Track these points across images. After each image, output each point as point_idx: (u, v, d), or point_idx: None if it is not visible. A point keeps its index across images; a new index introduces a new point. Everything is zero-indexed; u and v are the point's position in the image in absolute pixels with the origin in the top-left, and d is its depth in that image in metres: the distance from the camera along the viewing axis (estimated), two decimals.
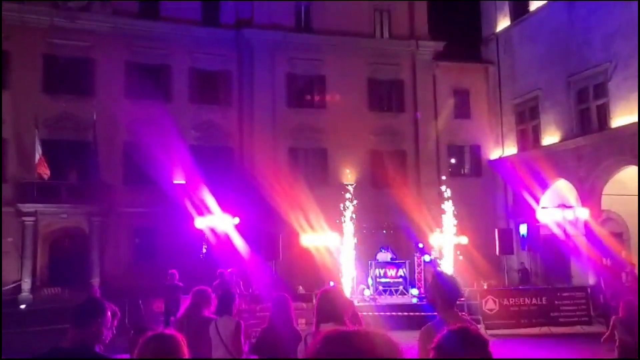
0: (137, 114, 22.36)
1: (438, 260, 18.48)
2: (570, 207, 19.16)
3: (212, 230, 18.61)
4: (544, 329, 14.22)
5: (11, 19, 21.96)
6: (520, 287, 17.37)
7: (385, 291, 18.06)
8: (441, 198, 20.76)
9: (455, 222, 19.87)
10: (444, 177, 21.91)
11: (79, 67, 22.94)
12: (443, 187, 20.76)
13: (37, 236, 21.63)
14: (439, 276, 4.21)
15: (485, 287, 17.00)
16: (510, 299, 14.70)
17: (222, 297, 6.00)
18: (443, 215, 19.90)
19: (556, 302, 15.00)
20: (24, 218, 21.42)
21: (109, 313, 3.33)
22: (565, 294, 15.38)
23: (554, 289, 15.96)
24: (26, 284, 21.04)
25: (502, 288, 16.85)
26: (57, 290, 21.02)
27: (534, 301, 14.79)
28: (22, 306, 20.07)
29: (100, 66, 23.14)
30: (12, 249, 21.32)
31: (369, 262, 18.90)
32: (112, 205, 22.26)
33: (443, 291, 3.83)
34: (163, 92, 23.63)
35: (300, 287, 18.59)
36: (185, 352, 2.61)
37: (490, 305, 14.39)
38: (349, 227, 18.54)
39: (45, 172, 21.20)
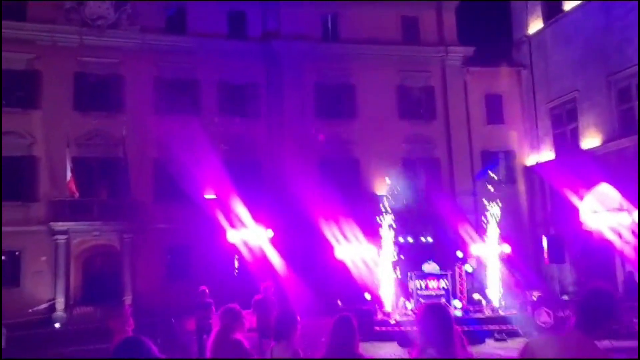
0: (166, 129, 22.22)
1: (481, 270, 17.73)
2: (623, 210, 18.28)
3: (246, 244, 18.23)
4: (605, 342, 13.35)
5: (42, 39, 22.19)
6: (575, 299, 16.52)
7: None
8: (478, 205, 20.03)
9: (496, 230, 19.12)
10: (490, 188, 20.85)
11: (108, 84, 22.99)
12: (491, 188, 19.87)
13: (69, 254, 21.52)
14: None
15: (535, 298, 16.17)
16: (567, 311, 13.88)
17: (281, 319, 5.07)
18: (482, 224, 19.17)
19: None
20: (57, 237, 21.36)
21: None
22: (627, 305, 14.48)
23: None
24: (60, 303, 20.90)
25: (557, 299, 16.01)
26: (90, 309, 20.83)
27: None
28: (57, 325, 19.92)
29: (129, 82, 23.14)
30: (46, 267, 21.27)
31: (408, 274, 18.26)
32: (143, 222, 22.08)
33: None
34: (192, 107, 23.50)
35: (339, 301, 18.03)
36: None
37: (544, 318, 13.63)
38: (385, 238, 17.97)
39: (75, 191, 21.14)
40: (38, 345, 14.18)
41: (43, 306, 20.36)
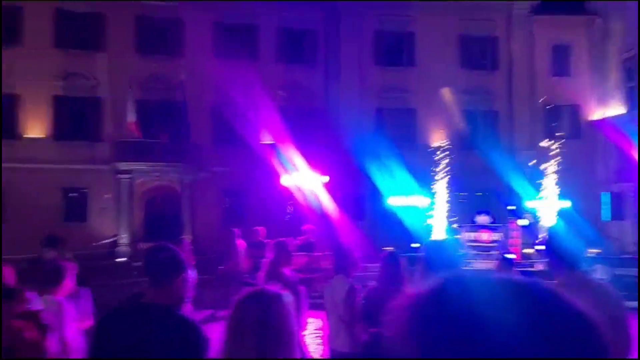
0: (225, 74, 22.41)
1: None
2: None
3: (300, 189, 18.49)
4: None
5: None
6: (634, 256, 16.03)
7: (478, 256, 17.27)
8: (539, 160, 19.46)
9: (555, 185, 18.62)
10: (551, 143, 20.02)
11: (169, 28, 23.27)
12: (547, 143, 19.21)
13: (132, 193, 22.47)
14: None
15: (592, 254, 15.75)
16: (623, 269, 13.51)
17: (337, 254, 5.35)
18: (541, 179, 18.68)
19: None
20: (120, 176, 22.27)
21: (190, 271, 2.99)
22: None
23: None
24: (123, 239, 21.98)
25: (615, 257, 15.57)
26: (151, 245, 21.78)
27: None
28: (120, 259, 21.04)
29: (189, 27, 23.34)
30: (110, 205, 22.33)
31: (460, 225, 18.14)
32: (201, 164, 22.68)
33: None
34: (250, 52, 23.56)
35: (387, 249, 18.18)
36: (292, 312, 2.01)
37: (599, 274, 13.31)
38: (439, 189, 17.86)
39: (137, 132, 21.86)
40: (101, 275, 15.02)
41: (107, 241, 21.47)
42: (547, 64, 25.39)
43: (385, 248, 16.36)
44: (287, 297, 2.03)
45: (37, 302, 4.47)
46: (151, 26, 23.16)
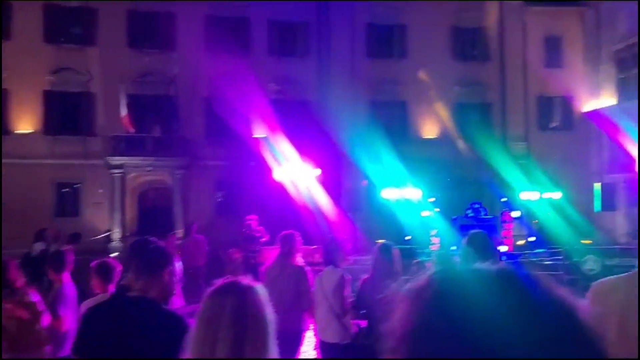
0: (217, 68, 22.33)
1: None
2: None
3: (293, 183, 18.48)
4: None
5: None
6: (625, 247, 16.15)
7: None
8: (531, 151, 19.54)
9: (545, 176, 18.70)
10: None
11: (160, 22, 23.14)
12: None
13: (125, 188, 22.41)
14: None
15: (585, 244, 15.86)
16: (615, 259, 13.60)
17: (327, 246, 5.42)
18: (534, 170, 18.76)
19: None
20: (113, 170, 22.20)
21: (176, 264, 2.98)
22: None
23: None
24: (116, 234, 21.94)
25: (605, 247, 15.67)
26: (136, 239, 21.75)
27: None
28: (114, 254, 20.98)
29: (181, 20, 23.21)
30: (103, 200, 22.27)
31: (452, 218, 18.19)
32: (194, 158, 22.65)
33: None
34: (242, 45, 23.46)
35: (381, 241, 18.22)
36: (267, 307, 1.93)
37: (590, 265, 13.42)
38: (431, 181, 17.89)
39: (129, 127, 21.79)
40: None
41: (101, 236, 21.41)
42: (540, 55, 25.43)
43: (379, 240, 16.41)
44: (261, 288, 1.97)
45: (34, 294, 4.56)
46: (143, 20, 23.02)
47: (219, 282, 1.98)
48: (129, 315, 2.75)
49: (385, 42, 24.74)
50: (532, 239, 17.56)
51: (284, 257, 5.35)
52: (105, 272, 4.72)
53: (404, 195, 18.44)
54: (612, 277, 3.15)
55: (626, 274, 3.05)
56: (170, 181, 23.04)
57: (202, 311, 1.88)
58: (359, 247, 13.29)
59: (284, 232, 5.58)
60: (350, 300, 5.09)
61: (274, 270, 5.33)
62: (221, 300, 1.86)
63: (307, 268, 5.40)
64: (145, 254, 2.95)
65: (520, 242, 17.52)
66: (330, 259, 5.23)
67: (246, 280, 1.99)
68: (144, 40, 22.92)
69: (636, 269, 2.89)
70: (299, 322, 5.34)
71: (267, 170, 19.26)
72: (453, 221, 17.69)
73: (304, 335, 5.52)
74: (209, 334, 1.82)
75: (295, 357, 5.27)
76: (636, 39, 22.25)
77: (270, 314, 1.91)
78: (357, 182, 18.75)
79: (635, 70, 22.45)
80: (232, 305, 1.84)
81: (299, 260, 5.42)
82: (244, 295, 1.89)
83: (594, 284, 2.98)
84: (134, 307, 2.76)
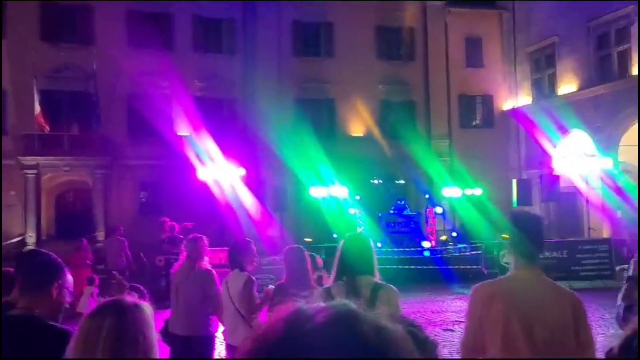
0: (139, 64, 21.58)
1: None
2: (592, 155, 18.47)
3: (217, 182, 18.16)
4: (564, 283, 13.71)
5: None
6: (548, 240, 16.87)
7: (395, 244, 17.67)
8: (453, 149, 20.12)
9: (467, 173, 19.32)
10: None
11: (77, 14, 22.10)
12: None
13: (40, 189, 21.27)
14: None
15: (504, 239, 16.45)
16: None
17: (232, 249, 5.34)
18: (456, 167, 19.33)
19: (577, 255, 14.47)
20: (26, 171, 21.01)
21: (69, 274, 2.77)
22: (587, 247, 14.81)
23: (575, 242, 15.40)
24: (31, 238, 20.80)
25: None
26: (62, 244, 20.74)
27: (554, 254, 14.23)
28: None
29: (100, 14, 22.26)
30: (16, 202, 21.02)
31: (379, 214, 18.47)
32: (115, 157, 21.79)
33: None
34: (166, 41, 22.78)
35: (308, 240, 18.23)
36: (149, 322, 1.87)
37: (507, 259, 13.91)
38: (358, 179, 18.07)
39: (44, 125, 20.70)
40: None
41: (13, 240, 20.23)
42: (461, 56, 26.22)
43: (306, 239, 16.33)
44: (147, 307, 1.90)
45: None
46: (58, 12, 21.87)
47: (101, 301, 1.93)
48: (9, 336, 2.51)
49: (312, 40, 24.76)
50: (454, 234, 18.09)
51: (191, 261, 5.29)
52: None
53: (331, 193, 18.52)
54: (491, 280, 3.17)
55: (505, 276, 3.09)
56: (91, 181, 22.07)
57: (80, 331, 1.81)
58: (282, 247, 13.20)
59: (190, 236, 5.54)
60: (258, 302, 5.03)
61: (181, 275, 5.32)
62: (99, 321, 1.79)
63: (214, 271, 5.32)
64: (31, 267, 2.75)
65: (443, 237, 18.00)
66: (235, 263, 5.16)
67: (130, 299, 1.93)
68: (59, 34, 21.79)
69: (515, 271, 2.94)
70: (207, 326, 5.32)
71: (192, 170, 18.84)
72: (379, 218, 17.98)
73: (214, 340, 5.43)
74: (86, 354, 1.75)
75: None
76: (548, 42, 23.38)
77: (152, 334, 1.86)
78: (284, 180, 18.63)
79: (549, 71, 23.61)
80: (110, 325, 1.78)
81: (206, 263, 5.35)
82: (124, 315, 1.82)
83: (475, 286, 2.99)
84: (15, 327, 2.53)
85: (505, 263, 14.22)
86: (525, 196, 16.59)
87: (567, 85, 22.28)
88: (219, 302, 5.15)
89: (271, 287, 5.10)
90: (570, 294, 2.89)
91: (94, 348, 1.74)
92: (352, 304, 0.77)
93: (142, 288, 3.88)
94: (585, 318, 2.83)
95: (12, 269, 4.80)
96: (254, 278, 5.11)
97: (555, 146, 21.65)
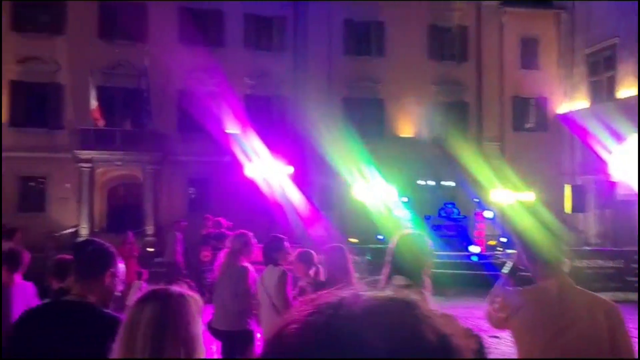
0: (190, 61, 21.90)
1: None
2: None
3: (265, 180, 18.22)
4: (619, 295, 13.14)
5: None
6: (595, 248, 16.24)
7: (443, 247, 17.32)
8: (505, 152, 19.58)
9: (518, 177, 18.77)
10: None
11: (132, 12, 22.57)
12: None
13: (93, 183, 21.85)
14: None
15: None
16: (584, 261, 13.63)
17: (267, 245, 5.38)
18: (505, 170, 18.81)
19: (633, 265, 13.87)
20: (81, 164, 21.61)
21: (121, 264, 2.87)
22: None
23: (631, 251, 14.75)
24: (84, 229, 21.37)
25: (575, 248, 15.73)
26: (113, 236, 21.26)
27: (609, 264, 13.67)
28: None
29: (153, 11, 22.71)
30: (71, 195, 21.68)
31: (426, 217, 18.15)
32: (165, 153, 22.19)
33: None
34: (217, 39, 23.08)
35: (354, 240, 18.09)
36: (194, 313, 1.86)
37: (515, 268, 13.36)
38: (405, 180, 17.81)
39: (99, 120, 21.28)
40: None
41: (67, 231, 20.84)
42: (516, 57, 25.57)
43: (352, 239, 16.22)
44: (192, 297, 1.91)
45: None
46: (114, 10, 22.44)
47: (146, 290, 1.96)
48: (63, 320, 2.61)
49: (363, 39, 24.59)
50: (504, 239, 17.59)
51: (231, 256, 5.38)
52: (11, 260, 4.52)
53: (378, 193, 18.33)
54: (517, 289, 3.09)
55: (530, 286, 2.97)
56: (141, 176, 22.54)
57: (126, 317, 1.88)
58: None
59: (236, 232, 5.64)
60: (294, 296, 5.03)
61: (220, 270, 5.55)
62: (141, 307, 1.84)
63: (250, 268, 5.39)
64: (85, 255, 2.85)
65: (492, 242, 17.54)
66: (270, 258, 5.24)
67: (177, 288, 1.93)
68: (114, 31, 22.34)
69: (537, 284, 2.81)
70: (241, 321, 5.37)
71: (240, 167, 18.98)
72: (426, 220, 17.67)
73: (252, 334, 5.42)
74: (129, 339, 1.79)
75: (244, 358, 5.22)
76: (608, 43, 22.47)
77: (196, 326, 1.85)
78: (330, 180, 18.54)
79: (608, 74, 22.70)
80: (150, 311, 1.81)
81: (245, 260, 5.44)
82: (168, 301, 1.84)
83: (527, 288, 2.90)
84: (69, 312, 2.65)
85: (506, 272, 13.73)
86: (579, 202, 15.98)
87: (627, 89, 21.35)
88: (249, 298, 5.27)
89: (304, 283, 5.06)
90: (603, 302, 2.70)
91: (136, 331, 1.78)
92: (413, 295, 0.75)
93: (190, 282, 3.88)
94: (622, 327, 2.62)
95: (69, 257, 4.89)
96: (289, 272, 5.17)
97: (611, 152, 20.78)
